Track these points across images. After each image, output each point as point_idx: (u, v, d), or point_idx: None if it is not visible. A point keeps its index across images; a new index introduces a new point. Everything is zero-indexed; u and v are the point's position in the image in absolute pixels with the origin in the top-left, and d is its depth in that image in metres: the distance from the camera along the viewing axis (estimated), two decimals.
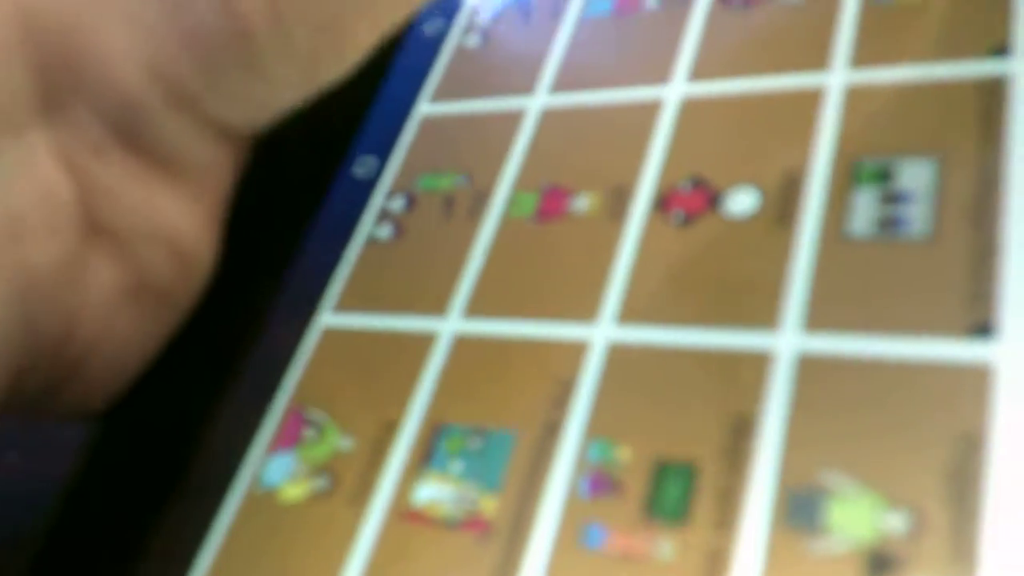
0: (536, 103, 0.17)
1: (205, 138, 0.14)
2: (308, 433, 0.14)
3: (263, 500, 0.13)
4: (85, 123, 0.14)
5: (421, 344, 0.14)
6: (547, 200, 0.15)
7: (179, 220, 0.15)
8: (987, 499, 0.10)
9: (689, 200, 0.14)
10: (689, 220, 0.14)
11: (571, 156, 0.16)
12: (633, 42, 0.16)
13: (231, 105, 0.14)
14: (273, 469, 0.14)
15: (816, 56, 0.14)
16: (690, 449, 0.12)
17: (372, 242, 0.16)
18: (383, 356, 0.14)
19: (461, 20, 0.19)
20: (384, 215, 0.16)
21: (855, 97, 0.14)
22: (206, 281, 0.15)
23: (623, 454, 0.12)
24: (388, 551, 0.12)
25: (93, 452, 0.15)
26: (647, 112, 0.15)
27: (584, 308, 0.14)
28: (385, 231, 0.16)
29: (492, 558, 0.12)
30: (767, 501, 0.11)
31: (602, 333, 0.13)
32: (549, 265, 0.14)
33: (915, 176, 0.13)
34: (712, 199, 0.14)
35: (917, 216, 0.12)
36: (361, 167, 0.17)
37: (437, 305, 0.15)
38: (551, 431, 0.12)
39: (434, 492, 0.13)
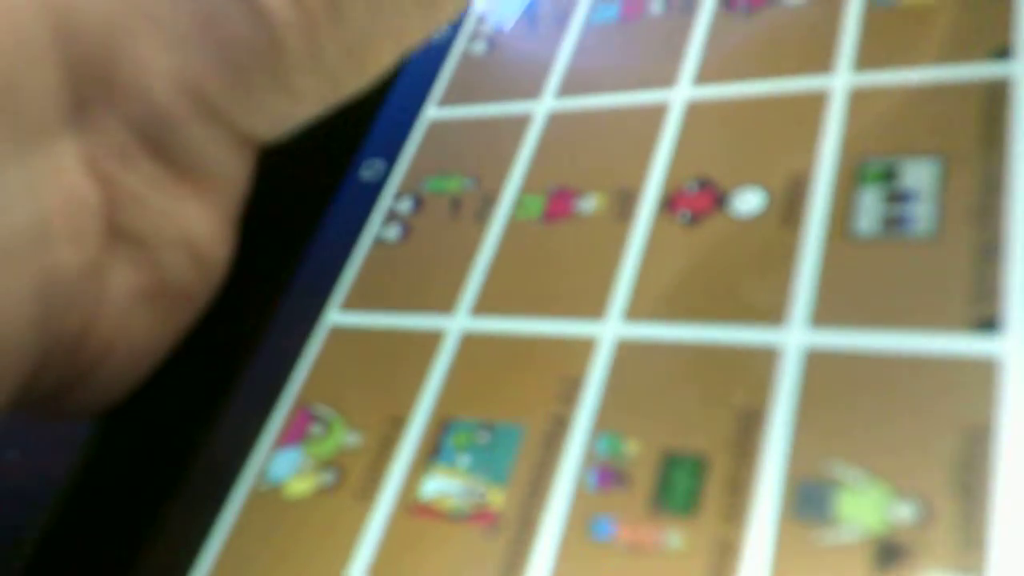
0: (543, 107, 0.17)
1: (226, 146, 0.15)
2: (315, 429, 0.14)
3: (269, 495, 0.13)
4: (113, 130, 0.14)
5: (428, 342, 0.14)
6: (554, 202, 0.15)
7: (199, 225, 0.15)
8: (994, 489, 0.10)
9: (696, 200, 0.14)
10: (696, 220, 0.14)
11: (578, 159, 0.16)
12: (638, 47, 0.17)
13: (255, 116, 0.14)
14: (279, 464, 0.14)
15: (820, 59, 0.15)
16: (698, 442, 0.12)
17: (380, 243, 0.16)
18: (390, 354, 0.14)
19: (467, 27, 0.19)
20: (392, 216, 0.16)
21: (859, 99, 0.14)
22: (221, 282, 0.15)
23: (631, 447, 0.12)
24: (395, 545, 0.12)
25: (97, 447, 0.15)
26: (653, 115, 0.15)
27: (592, 306, 0.14)
28: (393, 232, 0.16)
29: (500, 551, 0.12)
30: (776, 492, 0.11)
31: (610, 330, 0.13)
32: (556, 264, 0.14)
33: (919, 176, 0.13)
34: (719, 199, 0.14)
35: (922, 215, 0.12)
36: (369, 170, 0.17)
37: (444, 303, 0.15)
38: (559, 425, 0.13)
39: (442, 486, 0.13)
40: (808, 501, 0.11)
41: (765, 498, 0.11)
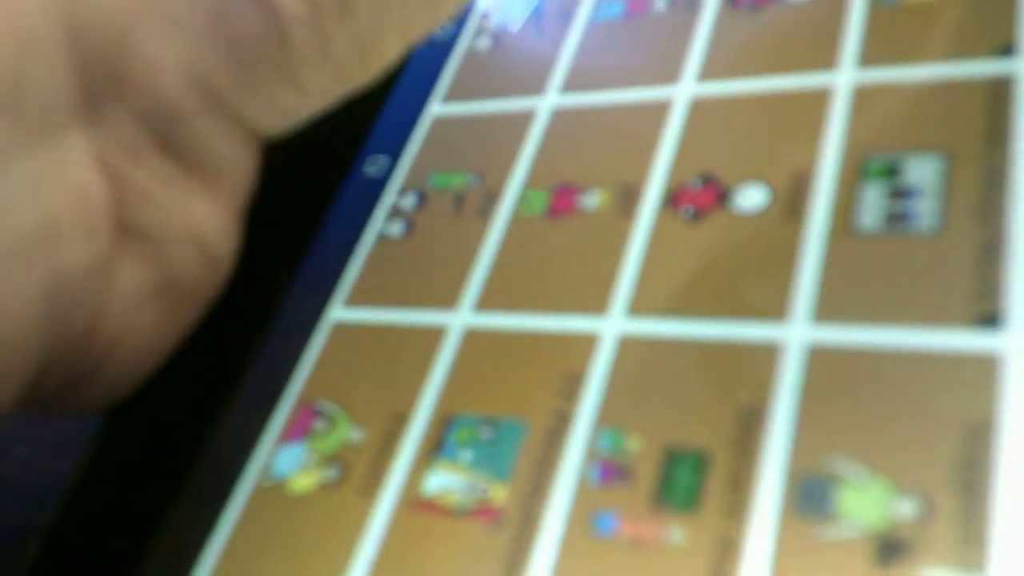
0: (546, 103, 0.17)
1: (234, 141, 0.15)
2: (318, 424, 0.14)
3: (273, 490, 0.14)
4: (123, 125, 0.14)
5: (431, 337, 0.14)
6: (557, 198, 0.15)
7: (206, 220, 0.15)
8: (995, 486, 0.10)
9: (699, 196, 0.14)
10: (699, 216, 0.14)
11: (581, 155, 0.16)
12: (642, 44, 0.17)
13: (262, 111, 0.14)
14: (283, 460, 0.14)
15: (824, 56, 0.15)
16: (700, 438, 0.12)
17: (383, 238, 0.16)
18: (393, 349, 0.14)
19: (472, 24, 0.19)
20: (395, 212, 0.16)
21: (863, 96, 0.14)
22: (227, 277, 0.16)
23: (633, 443, 0.12)
24: (398, 540, 0.12)
25: (102, 444, 0.15)
26: (656, 112, 0.15)
27: (594, 301, 0.14)
28: (396, 228, 0.16)
29: (502, 546, 0.12)
30: (777, 488, 0.11)
31: (612, 325, 0.13)
32: (559, 260, 0.14)
33: (923, 172, 0.13)
34: (722, 195, 0.14)
35: (925, 211, 0.12)
36: (373, 166, 0.17)
37: (447, 299, 0.15)
38: (561, 421, 0.13)
39: (444, 481, 0.13)
40: (809, 497, 0.11)
41: (766, 494, 0.11)
